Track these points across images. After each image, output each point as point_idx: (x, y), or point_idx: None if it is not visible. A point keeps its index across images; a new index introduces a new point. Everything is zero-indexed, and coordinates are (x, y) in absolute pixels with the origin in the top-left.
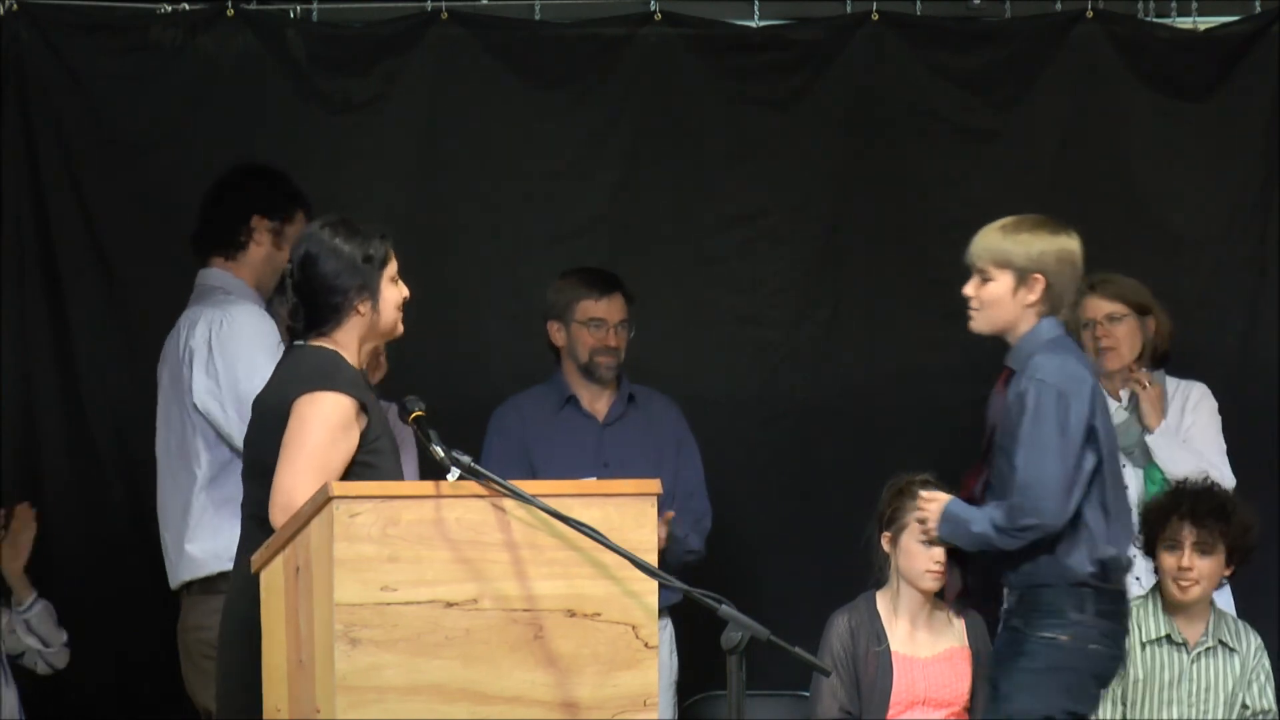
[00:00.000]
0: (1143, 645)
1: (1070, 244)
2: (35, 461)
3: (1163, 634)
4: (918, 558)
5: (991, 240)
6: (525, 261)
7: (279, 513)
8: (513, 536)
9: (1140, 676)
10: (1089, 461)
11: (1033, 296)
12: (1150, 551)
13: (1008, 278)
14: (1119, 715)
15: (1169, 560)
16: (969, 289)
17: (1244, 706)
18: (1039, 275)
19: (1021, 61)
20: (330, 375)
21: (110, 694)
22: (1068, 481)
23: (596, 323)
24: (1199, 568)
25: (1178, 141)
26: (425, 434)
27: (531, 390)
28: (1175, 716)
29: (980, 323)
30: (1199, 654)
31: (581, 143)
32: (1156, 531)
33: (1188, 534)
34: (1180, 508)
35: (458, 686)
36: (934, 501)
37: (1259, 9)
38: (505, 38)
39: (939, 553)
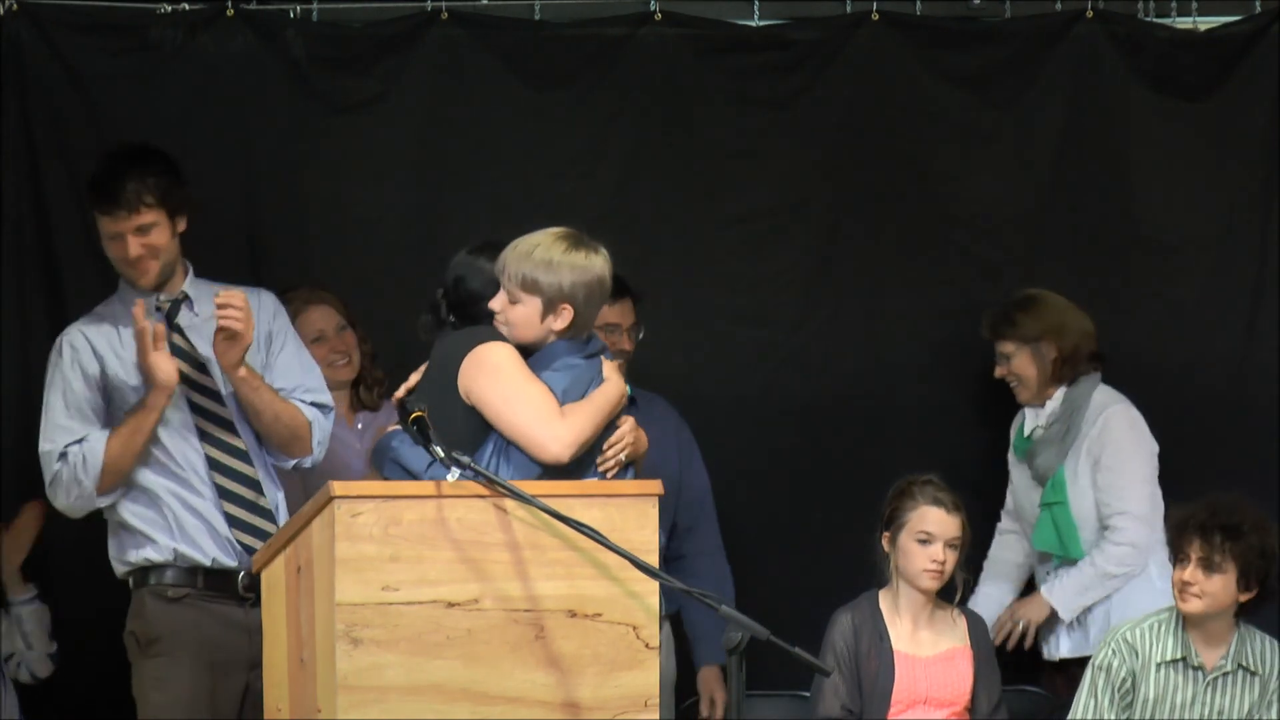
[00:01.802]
0: (1157, 666)
1: (600, 268)
2: (34, 460)
3: (1179, 656)
4: (915, 558)
5: (523, 266)
6: None
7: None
8: (514, 537)
9: (1151, 697)
10: None
11: (560, 324)
12: (1175, 562)
13: (536, 303)
14: None
15: (1176, 572)
16: (496, 304)
17: None
18: (567, 306)
19: (1021, 61)
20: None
21: (107, 695)
22: None
23: (610, 327)
24: (1201, 584)
25: (1177, 141)
26: (425, 434)
27: None
28: None
29: (506, 331)
30: (1215, 678)
31: (581, 143)
32: (1175, 542)
33: (1195, 549)
34: (1194, 519)
35: (459, 686)
36: None
37: (1259, 9)
38: (505, 38)
39: (936, 551)
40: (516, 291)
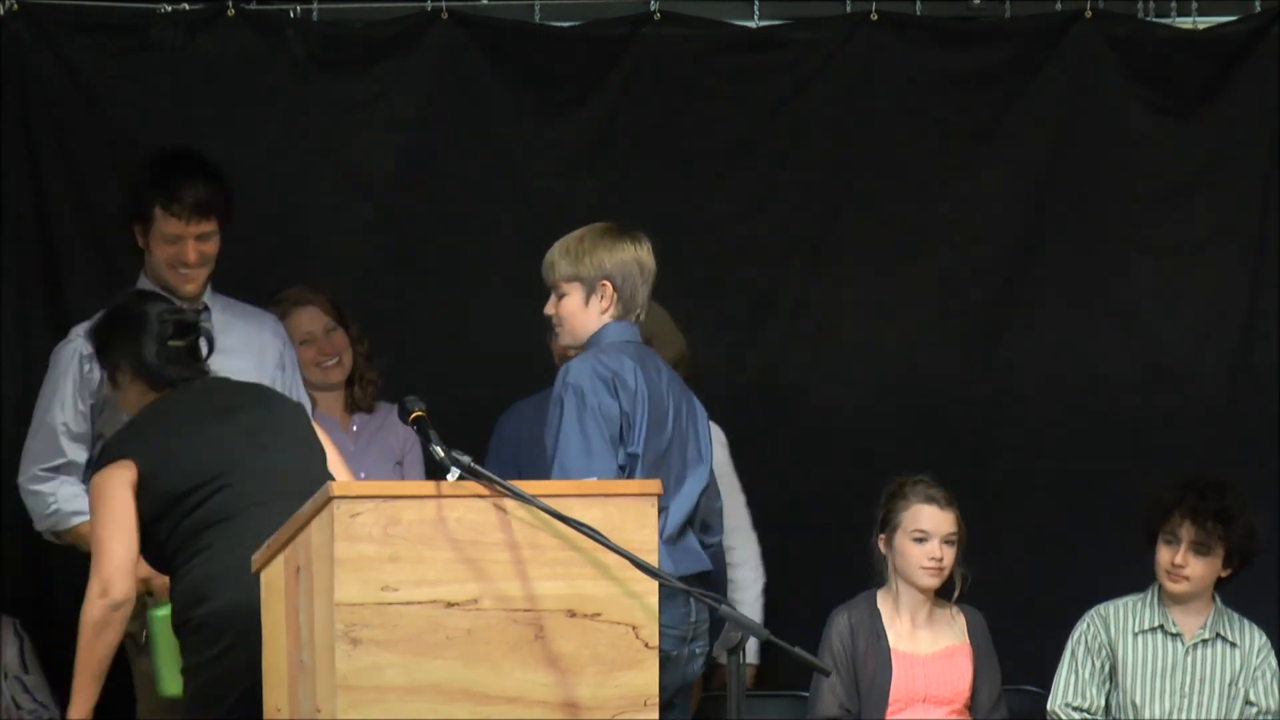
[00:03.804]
0: (1135, 634)
1: (631, 247)
2: None
3: (1155, 624)
4: (912, 557)
5: (559, 260)
6: (524, 262)
7: None
8: (514, 536)
9: (1131, 663)
10: (619, 458)
11: (605, 303)
12: (1150, 542)
13: (577, 289)
14: (1110, 702)
15: (1165, 554)
16: (548, 308)
17: (1248, 704)
18: (605, 282)
19: (1021, 61)
20: None
21: (110, 694)
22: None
23: None
24: (1192, 566)
25: (1176, 141)
26: (425, 434)
27: (535, 397)
28: (1168, 706)
29: (565, 338)
30: (1194, 645)
31: (581, 142)
32: (1157, 523)
33: (1186, 532)
34: (1183, 504)
35: (458, 686)
36: None
37: (1259, 9)
38: (505, 38)
39: (933, 548)
40: (561, 286)
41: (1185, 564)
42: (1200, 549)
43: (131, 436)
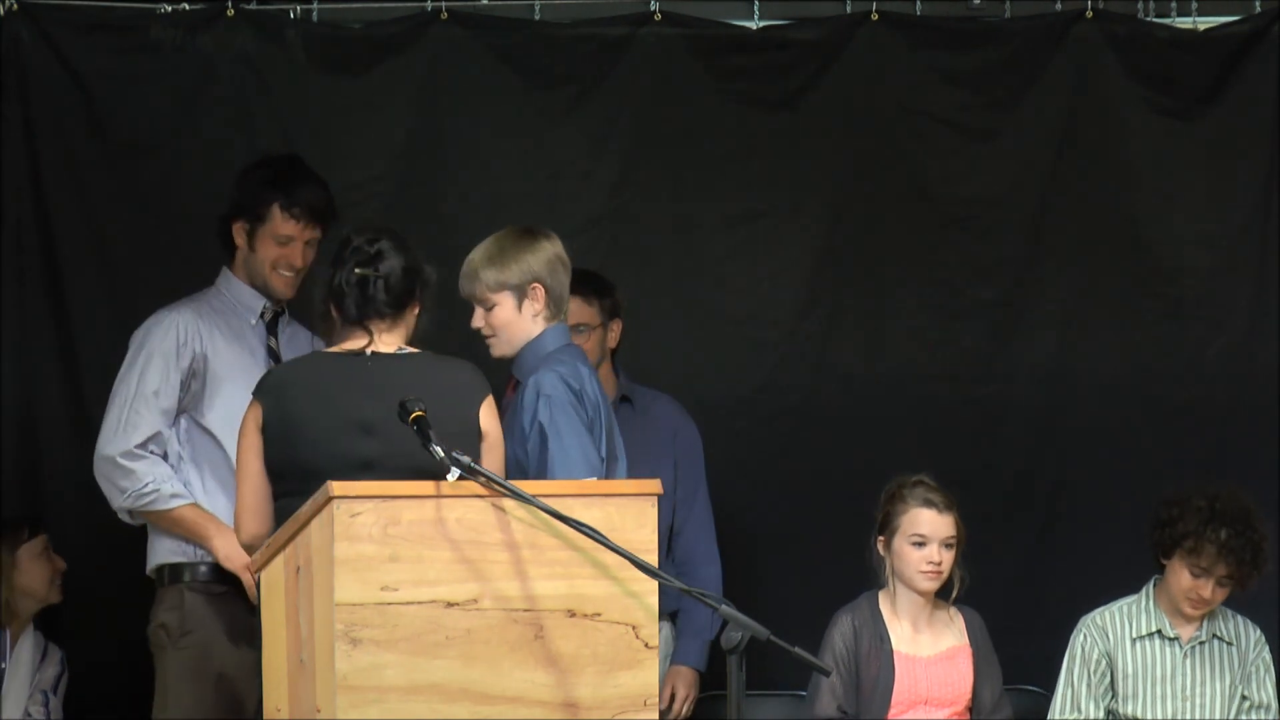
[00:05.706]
0: (1133, 640)
1: (548, 245)
2: (35, 462)
3: (1154, 629)
4: (910, 561)
5: (482, 271)
6: None
7: None
8: (513, 536)
9: (1131, 671)
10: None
11: (538, 306)
12: (1166, 552)
13: (508, 297)
14: (1113, 709)
15: (1189, 582)
16: (477, 322)
17: (1243, 698)
18: (536, 284)
19: (1021, 61)
20: None
21: (114, 694)
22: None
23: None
24: (1216, 598)
25: (1177, 141)
26: (424, 434)
27: None
28: (1170, 709)
29: (501, 348)
30: (1192, 648)
31: (581, 143)
32: (1182, 541)
33: (1221, 569)
34: (1220, 539)
35: (458, 686)
36: None
37: (1259, 9)
38: (505, 38)
39: (931, 552)
40: (489, 297)
41: (1213, 599)
42: (1227, 584)
43: (279, 382)
